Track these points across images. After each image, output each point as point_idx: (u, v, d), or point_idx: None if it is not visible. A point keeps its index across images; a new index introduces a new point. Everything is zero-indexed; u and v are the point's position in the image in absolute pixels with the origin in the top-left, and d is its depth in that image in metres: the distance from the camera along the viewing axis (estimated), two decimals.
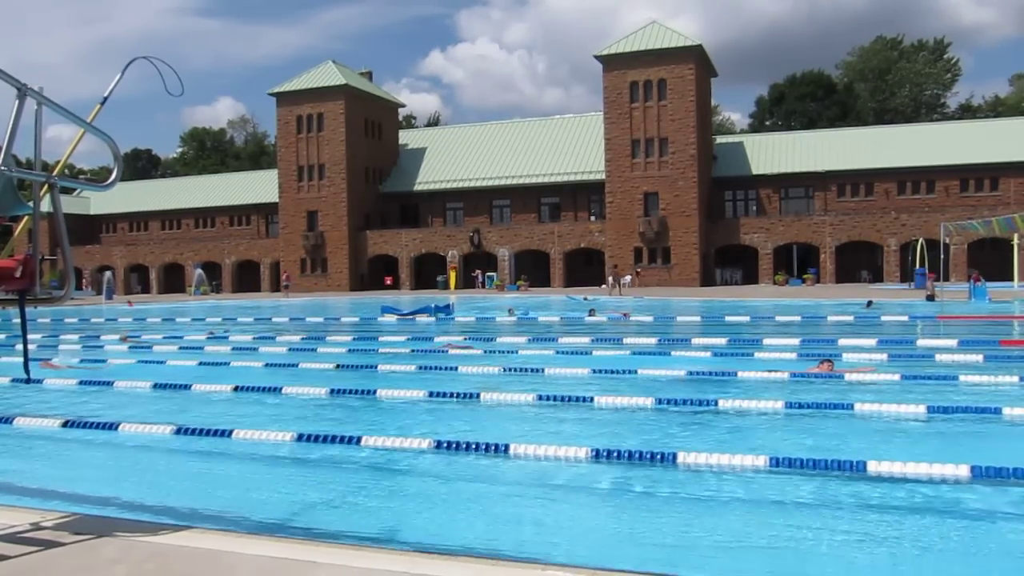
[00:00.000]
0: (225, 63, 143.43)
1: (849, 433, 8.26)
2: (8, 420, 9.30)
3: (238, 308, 36.93)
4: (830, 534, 5.35)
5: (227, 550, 4.42)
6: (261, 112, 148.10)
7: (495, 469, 7.10)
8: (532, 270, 54.19)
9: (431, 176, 60.19)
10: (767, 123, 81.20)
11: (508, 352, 15.93)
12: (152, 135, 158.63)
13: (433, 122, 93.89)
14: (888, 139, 54.01)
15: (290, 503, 6.30)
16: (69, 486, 6.93)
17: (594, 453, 7.13)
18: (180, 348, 17.93)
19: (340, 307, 37.08)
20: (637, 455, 7.02)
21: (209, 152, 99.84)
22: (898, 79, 78.74)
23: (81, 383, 12.26)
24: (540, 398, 9.99)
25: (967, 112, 77.56)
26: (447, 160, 60.98)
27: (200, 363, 14.94)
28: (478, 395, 10.25)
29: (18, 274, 4.65)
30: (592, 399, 9.88)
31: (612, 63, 50.80)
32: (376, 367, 13.74)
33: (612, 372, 12.27)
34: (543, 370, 12.55)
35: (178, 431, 8.49)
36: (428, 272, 56.36)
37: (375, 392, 10.80)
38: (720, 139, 60.01)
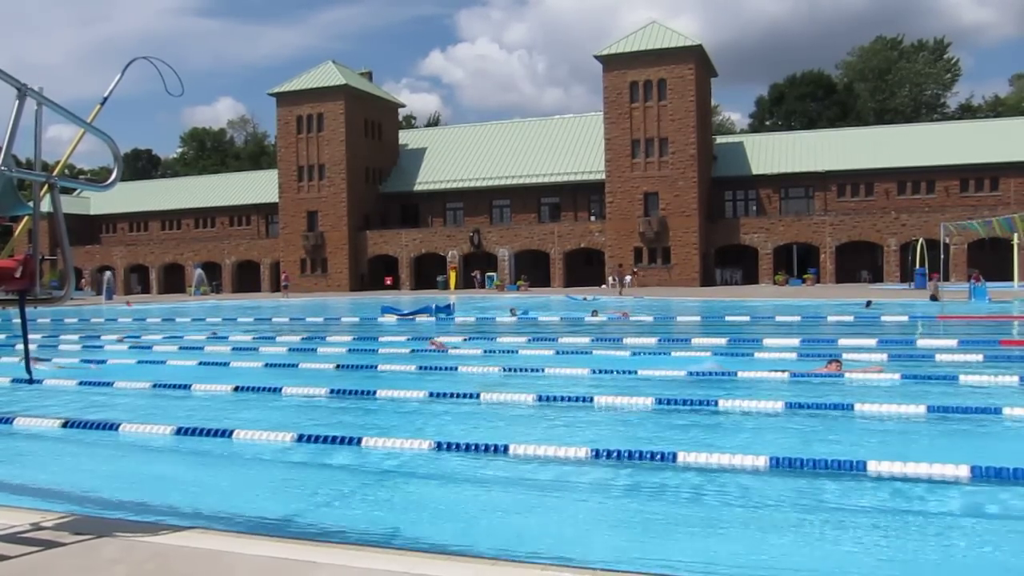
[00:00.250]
0: (225, 63, 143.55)
1: (849, 433, 8.25)
2: (8, 420, 9.30)
3: (238, 308, 36.93)
4: (830, 534, 5.35)
5: (227, 550, 4.42)
6: (261, 112, 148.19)
7: (495, 469, 7.09)
8: (532, 270, 54.20)
9: (431, 176, 60.19)
10: (767, 123, 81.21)
11: (509, 352, 15.92)
12: (152, 135, 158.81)
13: (433, 122, 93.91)
14: (888, 139, 54.01)
15: (290, 503, 6.30)
16: (69, 486, 6.93)
17: (594, 453, 7.13)
18: (180, 348, 17.93)
19: (340, 307, 37.08)
20: (637, 455, 7.02)
21: (209, 152, 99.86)
22: (898, 79, 78.75)
23: (81, 384, 12.26)
24: (540, 398, 9.99)
25: (967, 112, 77.57)
26: (447, 160, 60.98)
27: (200, 363, 14.94)
28: (478, 395, 10.25)
29: (18, 274, 4.65)
30: (592, 399, 9.88)
31: (612, 63, 50.81)
32: (376, 367, 13.74)
33: (612, 372, 12.26)
34: (543, 370, 12.56)
35: (178, 431, 8.49)
36: (428, 272, 56.37)
37: (375, 392, 10.80)
38: (720, 139, 60.03)
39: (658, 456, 6.95)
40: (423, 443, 7.66)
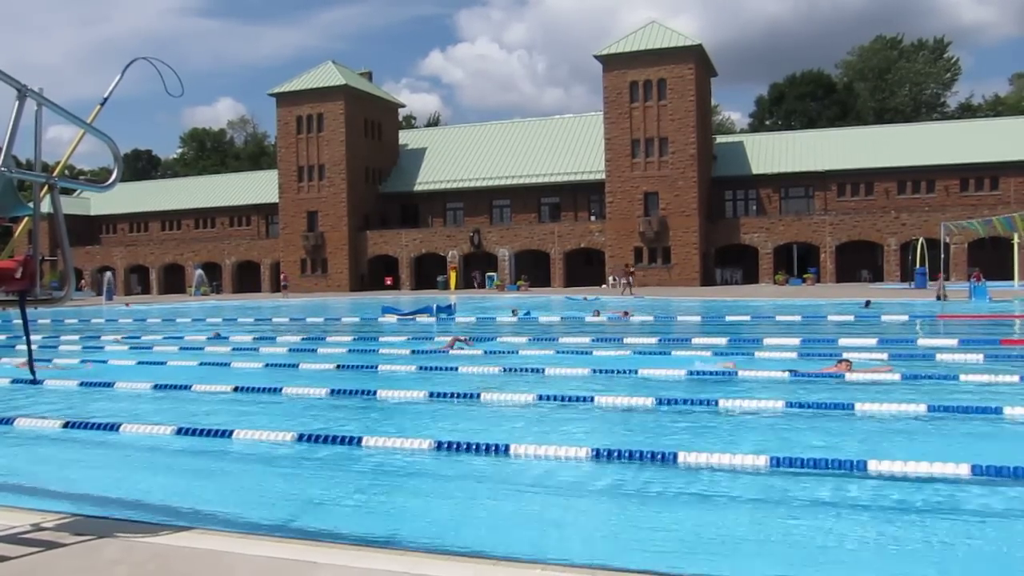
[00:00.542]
0: (225, 63, 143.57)
1: (850, 432, 8.25)
2: (9, 421, 9.30)
3: (238, 309, 36.94)
4: (831, 534, 5.35)
5: (227, 550, 4.42)
6: (261, 112, 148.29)
7: (495, 469, 7.09)
8: (532, 270, 54.20)
9: (431, 176, 60.20)
10: (767, 123, 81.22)
11: (510, 352, 15.92)
12: (152, 136, 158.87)
13: (433, 122, 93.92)
14: (888, 138, 54.02)
15: (290, 503, 6.30)
16: (70, 487, 6.93)
17: (594, 453, 7.13)
18: (181, 348, 17.93)
19: (340, 307, 37.07)
20: (638, 454, 7.02)
21: (209, 152, 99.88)
22: (898, 78, 78.77)
23: (82, 384, 12.26)
24: (541, 398, 9.99)
25: (967, 111, 77.57)
26: (447, 160, 60.99)
27: (200, 363, 14.94)
28: (479, 395, 10.25)
29: (18, 275, 4.65)
30: (593, 399, 9.88)
31: (612, 63, 50.81)
32: (376, 367, 13.74)
33: (614, 372, 12.26)
34: (543, 370, 12.56)
35: (179, 431, 8.49)
36: (428, 272, 56.38)
37: (375, 392, 10.80)
38: (720, 139, 60.04)
39: (659, 456, 6.95)
40: (423, 443, 7.66)
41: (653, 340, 17.25)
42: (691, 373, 11.86)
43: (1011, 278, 38.06)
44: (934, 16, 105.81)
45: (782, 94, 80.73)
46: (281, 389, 11.16)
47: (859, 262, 49.44)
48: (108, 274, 58.63)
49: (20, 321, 5.03)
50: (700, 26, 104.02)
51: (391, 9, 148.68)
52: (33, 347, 5.84)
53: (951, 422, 8.55)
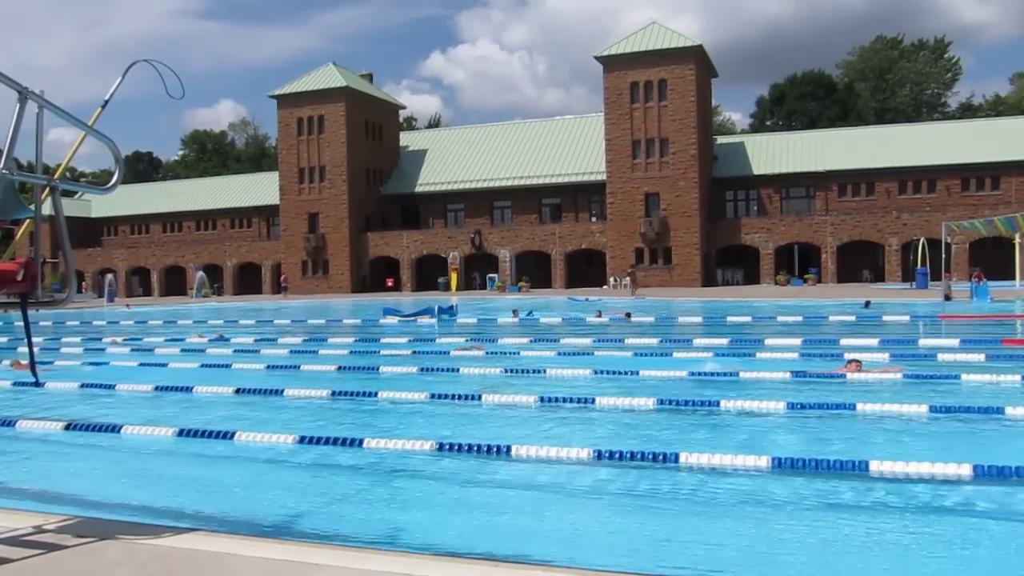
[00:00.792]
0: (226, 65, 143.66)
1: (851, 433, 8.25)
2: (10, 423, 9.30)
3: (240, 310, 36.95)
4: (832, 534, 5.35)
5: (229, 552, 4.42)
6: (262, 114, 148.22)
7: (497, 470, 7.09)
8: (533, 271, 54.20)
9: (432, 177, 60.22)
10: (768, 123, 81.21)
11: (512, 353, 15.92)
12: (153, 138, 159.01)
13: (434, 123, 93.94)
14: (889, 138, 54.00)
15: (292, 505, 6.30)
16: (71, 489, 6.93)
17: (596, 454, 7.13)
18: (182, 350, 17.94)
19: (341, 309, 37.09)
20: (639, 456, 7.01)
21: (210, 154, 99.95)
22: (899, 78, 78.76)
23: (83, 386, 12.26)
24: (542, 399, 9.99)
25: (968, 111, 77.55)
26: (448, 161, 61.01)
27: (202, 365, 14.95)
28: (479, 396, 10.25)
29: (20, 277, 4.65)
30: (594, 400, 9.88)
31: (612, 64, 50.82)
32: (378, 369, 13.74)
33: (615, 373, 12.26)
34: (545, 371, 12.56)
35: (180, 433, 8.49)
36: (429, 274, 56.38)
37: (377, 394, 10.80)
38: (721, 139, 60.03)
39: (660, 457, 6.95)
40: (425, 444, 7.66)
41: (654, 340, 17.24)
42: (692, 374, 11.85)
43: (1012, 278, 38.04)
44: (935, 16, 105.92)
45: (783, 94, 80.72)
46: (283, 391, 11.16)
47: (860, 262, 49.42)
48: (109, 276, 58.66)
49: (22, 323, 5.03)
50: (701, 27, 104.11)
51: (392, 10, 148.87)
52: (35, 349, 5.84)
53: (952, 422, 8.54)
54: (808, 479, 6.43)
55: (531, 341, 18.22)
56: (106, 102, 5.98)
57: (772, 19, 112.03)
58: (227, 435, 8.27)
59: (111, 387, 12.07)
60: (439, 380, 12.24)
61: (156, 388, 11.79)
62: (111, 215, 69.92)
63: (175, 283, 63.84)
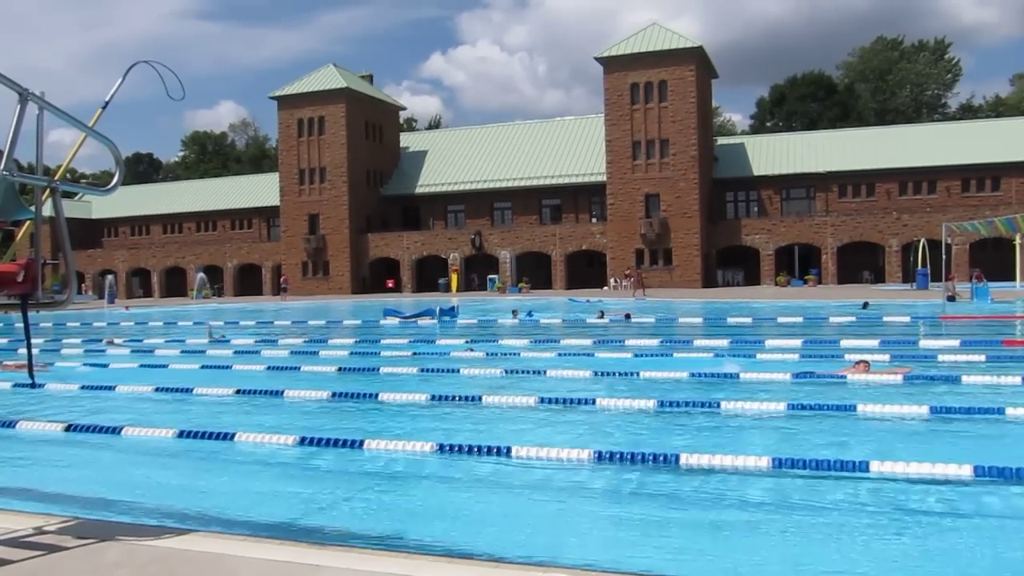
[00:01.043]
0: (226, 67, 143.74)
1: (852, 434, 8.24)
2: (11, 424, 9.30)
3: (240, 311, 36.96)
4: (833, 535, 5.34)
5: (230, 554, 4.42)
6: (262, 115, 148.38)
7: (498, 471, 7.09)
8: (534, 272, 54.20)
9: (432, 179, 60.23)
10: (768, 124, 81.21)
11: (512, 354, 15.91)
12: (153, 139, 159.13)
13: (434, 124, 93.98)
14: (889, 139, 54.00)
15: (293, 506, 6.30)
16: (72, 490, 6.93)
17: (596, 455, 7.12)
18: (182, 352, 17.94)
19: (342, 310, 37.10)
20: (640, 457, 7.01)
21: (210, 156, 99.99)
22: (899, 79, 78.77)
23: (83, 387, 12.26)
24: (543, 400, 9.98)
25: (968, 112, 77.56)
26: (448, 162, 61.02)
27: (202, 366, 14.95)
28: (480, 398, 10.25)
29: (20, 278, 4.65)
30: (595, 401, 9.88)
31: (613, 65, 50.83)
32: (378, 370, 13.74)
33: (615, 374, 12.26)
34: (545, 371, 12.57)
35: (180, 434, 8.49)
36: (430, 275, 56.39)
37: (377, 395, 10.80)
38: (721, 140, 60.04)
39: (661, 458, 6.94)
40: (426, 445, 7.65)
41: (655, 341, 17.25)
42: (695, 375, 11.84)
43: (1012, 279, 38.02)
44: (935, 17, 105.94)
45: (783, 95, 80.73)
46: (283, 392, 11.16)
47: (861, 263, 49.41)
48: (110, 277, 58.66)
49: (22, 325, 5.03)
50: (701, 28, 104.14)
51: (392, 12, 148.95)
52: (34, 351, 5.85)
53: (953, 423, 8.54)
54: (808, 479, 6.43)
55: (532, 342, 18.21)
56: (106, 103, 5.98)
57: (772, 20, 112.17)
58: (227, 436, 8.27)
59: (111, 388, 12.07)
60: (440, 381, 12.25)
61: (156, 389, 11.79)
62: (111, 216, 69.93)
63: (175, 284, 63.85)
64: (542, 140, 59.95)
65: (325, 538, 5.33)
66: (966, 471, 6.23)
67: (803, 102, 79.08)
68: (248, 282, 62.68)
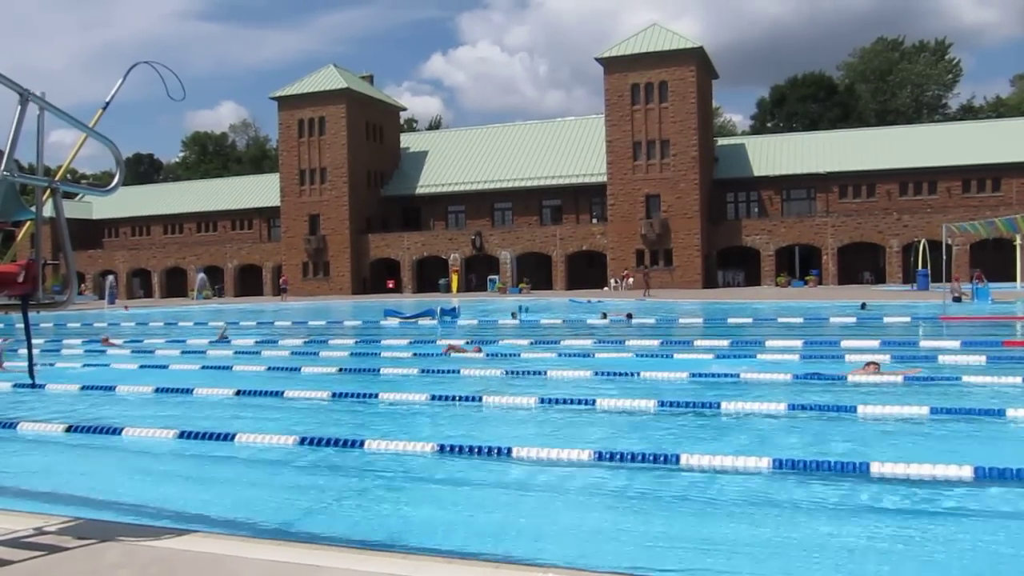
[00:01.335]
0: (227, 67, 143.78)
1: (852, 435, 8.24)
2: (11, 425, 9.31)
3: (240, 312, 36.97)
4: (833, 536, 5.34)
5: (230, 554, 4.42)
6: (263, 116, 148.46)
7: (498, 472, 7.09)
8: (534, 273, 54.19)
9: (433, 179, 60.24)
10: (768, 125, 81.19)
11: (512, 355, 15.91)
12: (154, 139, 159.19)
13: (435, 125, 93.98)
14: (890, 140, 53.99)
15: (293, 507, 6.30)
16: (72, 491, 6.93)
17: (596, 455, 7.12)
18: (182, 352, 17.94)
19: (342, 310, 37.10)
20: (640, 457, 7.01)
21: (211, 156, 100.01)
22: (899, 80, 78.75)
23: (83, 388, 12.26)
24: (543, 400, 9.98)
25: (969, 113, 77.53)
26: (449, 163, 61.03)
27: (202, 367, 14.95)
28: (480, 398, 10.25)
29: (21, 279, 4.65)
30: (595, 401, 9.88)
31: (613, 65, 50.83)
32: (379, 370, 13.74)
33: (618, 374, 12.25)
34: (545, 372, 12.57)
35: (181, 435, 8.49)
36: (430, 275, 56.39)
37: (377, 395, 10.80)
38: (721, 141, 60.03)
39: (661, 458, 6.94)
40: (426, 446, 7.65)
41: (655, 342, 17.25)
42: (702, 375, 11.84)
43: (1013, 279, 38.00)
44: (935, 17, 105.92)
45: (783, 96, 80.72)
46: (283, 392, 11.16)
47: (861, 264, 49.40)
48: (110, 278, 58.69)
49: (22, 325, 5.04)
50: (701, 28, 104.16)
51: (392, 12, 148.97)
52: (35, 351, 5.85)
53: (954, 424, 8.54)
54: (809, 480, 6.43)
55: (532, 343, 18.20)
56: (107, 104, 5.99)
57: (773, 21, 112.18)
58: (228, 436, 8.27)
59: (111, 388, 12.07)
60: (440, 382, 12.24)
61: (156, 390, 11.79)
62: (112, 217, 69.95)
63: (176, 285, 63.86)
64: (542, 141, 59.95)
65: (325, 538, 5.33)
66: (967, 472, 6.23)
67: (803, 103, 79.06)
68: (248, 283, 62.68)
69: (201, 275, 58.43)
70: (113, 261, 65.79)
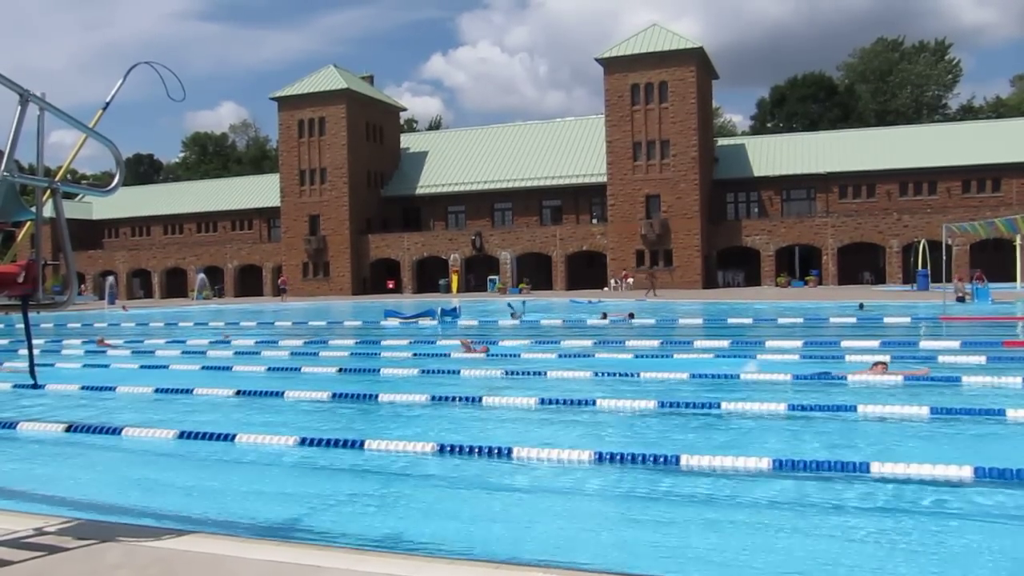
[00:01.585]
0: (227, 68, 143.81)
1: (852, 435, 8.24)
2: (11, 425, 9.30)
3: (240, 312, 36.96)
4: (834, 537, 5.34)
5: (230, 555, 4.42)
6: (263, 116, 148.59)
7: (498, 472, 7.09)
8: (534, 273, 54.20)
9: (433, 179, 60.24)
10: (768, 125, 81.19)
11: (512, 355, 15.91)
12: (154, 140, 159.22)
13: (435, 125, 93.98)
14: (890, 140, 54.00)
15: (293, 507, 6.30)
16: (72, 491, 6.93)
17: (597, 456, 7.12)
18: (183, 352, 17.94)
19: (342, 311, 37.09)
20: (640, 458, 7.01)
21: (211, 156, 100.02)
22: (899, 80, 78.75)
23: (83, 388, 12.26)
24: (543, 401, 9.98)
25: (968, 113, 77.53)
26: (449, 163, 61.04)
27: (202, 368, 14.94)
28: (480, 399, 10.24)
29: (21, 279, 4.65)
30: (595, 401, 9.88)
31: (613, 66, 50.84)
32: (379, 371, 13.73)
33: (619, 375, 12.25)
34: (545, 373, 12.56)
35: (181, 435, 8.49)
36: (430, 275, 56.40)
37: (377, 396, 10.80)
38: (722, 141, 60.04)
39: (661, 459, 6.94)
40: (426, 446, 7.65)
41: (655, 342, 17.25)
42: (706, 375, 11.84)
43: (1013, 279, 38.00)
44: (935, 18, 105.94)
45: (783, 96, 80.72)
46: (283, 393, 11.16)
47: (861, 264, 49.41)
48: (110, 278, 58.70)
49: (23, 325, 5.03)
50: (701, 29, 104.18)
51: (393, 13, 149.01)
52: (35, 351, 5.84)
53: (954, 424, 8.53)
54: (809, 481, 6.42)
55: (532, 343, 18.21)
56: (107, 104, 5.98)
57: (773, 21, 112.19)
58: (228, 437, 8.27)
59: (111, 389, 12.07)
60: (440, 382, 12.24)
61: (157, 390, 11.79)
62: (112, 217, 69.97)
63: (176, 285, 63.87)
64: (543, 141, 59.96)
65: (325, 539, 5.33)
66: (967, 472, 6.23)
67: (803, 103, 79.07)
68: (248, 283, 62.70)
69: (201, 275, 58.43)
70: (113, 261, 65.81)
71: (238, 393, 11.28)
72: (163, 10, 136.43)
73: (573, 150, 58.00)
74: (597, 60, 51.67)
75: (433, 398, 10.43)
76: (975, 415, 8.65)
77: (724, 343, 16.35)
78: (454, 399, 10.43)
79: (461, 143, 63.14)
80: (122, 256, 66.17)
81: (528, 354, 15.93)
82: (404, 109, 68.26)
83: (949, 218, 43.04)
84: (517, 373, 12.76)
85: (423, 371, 13.31)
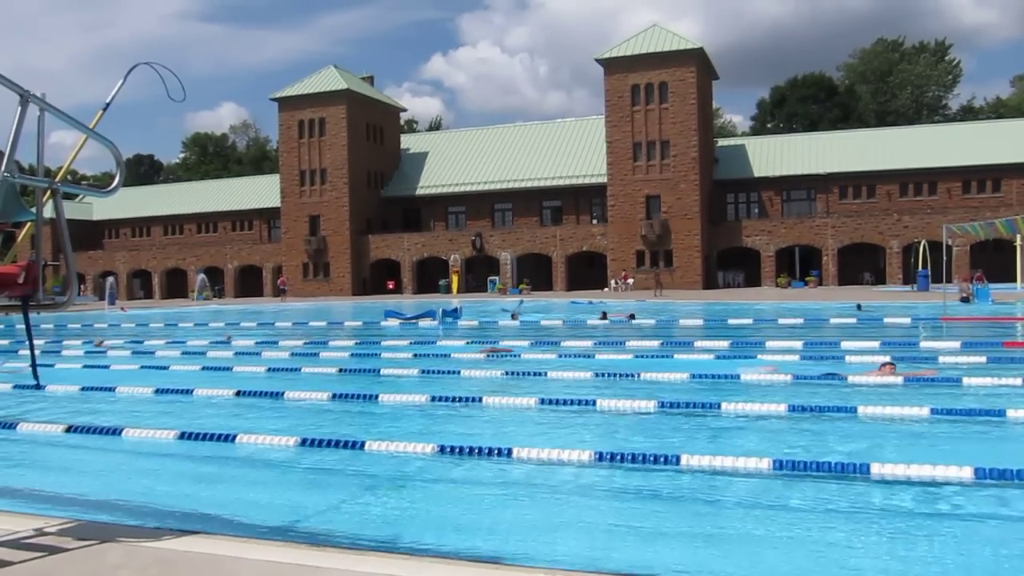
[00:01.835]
0: (227, 68, 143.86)
1: (852, 435, 8.23)
2: (11, 426, 9.30)
3: (240, 313, 36.96)
4: (833, 537, 5.34)
5: (230, 555, 4.42)
6: (263, 117, 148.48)
7: (498, 472, 7.08)
8: (534, 273, 54.21)
9: (433, 180, 60.26)
10: (768, 125, 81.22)
11: (513, 356, 15.91)
12: (154, 140, 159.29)
13: (435, 126, 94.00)
14: (890, 141, 54.01)
15: (293, 508, 6.29)
16: (72, 491, 6.93)
17: (597, 456, 7.12)
18: (183, 353, 17.94)
19: (343, 311, 37.09)
20: (640, 458, 7.00)
21: (211, 157, 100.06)
22: (899, 81, 78.76)
23: (83, 389, 12.25)
24: (544, 401, 9.97)
25: (969, 113, 77.55)
26: (449, 164, 61.06)
27: (203, 368, 14.94)
28: (480, 399, 10.24)
29: (21, 280, 4.65)
30: (595, 401, 9.88)
31: (613, 66, 50.85)
32: (379, 371, 13.73)
33: (620, 375, 12.25)
34: (546, 373, 12.56)
35: (181, 436, 8.49)
36: (430, 276, 56.41)
37: (378, 396, 10.79)
38: (722, 142, 60.07)
39: (661, 459, 6.94)
40: (426, 447, 7.65)
41: (655, 343, 17.25)
42: (693, 376, 11.84)
43: (1013, 280, 37.99)
44: (935, 18, 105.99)
45: (783, 97, 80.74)
46: (283, 393, 11.15)
47: (861, 264, 49.42)
48: (110, 279, 58.69)
49: (23, 326, 5.04)
50: (702, 29, 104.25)
51: (393, 13, 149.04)
52: (36, 352, 5.84)
53: (954, 425, 8.53)
54: (809, 481, 6.42)
55: (533, 343, 18.20)
56: (107, 105, 5.98)
57: (773, 22, 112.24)
58: (228, 437, 8.27)
59: (111, 389, 12.07)
60: (440, 382, 12.24)
61: (157, 391, 11.79)
62: (112, 218, 69.99)
63: (176, 285, 63.88)
64: (543, 142, 59.98)
65: (326, 539, 5.33)
66: (967, 473, 6.23)
67: (804, 103, 79.10)
68: (248, 284, 62.72)
69: (201, 276, 58.45)
70: (113, 262, 65.82)
71: (238, 393, 11.27)
72: (163, 11, 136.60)
73: (573, 150, 58.01)
74: (597, 60, 51.68)
75: (433, 398, 10.42)
76: (975, 415, 8.64)
77: (724, 343, 16.35)
78: (454, 399, 10.42)
79: (461, 143, 63.15)
80: (122, 257, 66.18)
81: (528, 354, 15.93)
82: (404, 109, 68.31)
83: (949, 219, 43.02)
84: (517, 373, 12.76)
85: (423, 371, 13.31)
